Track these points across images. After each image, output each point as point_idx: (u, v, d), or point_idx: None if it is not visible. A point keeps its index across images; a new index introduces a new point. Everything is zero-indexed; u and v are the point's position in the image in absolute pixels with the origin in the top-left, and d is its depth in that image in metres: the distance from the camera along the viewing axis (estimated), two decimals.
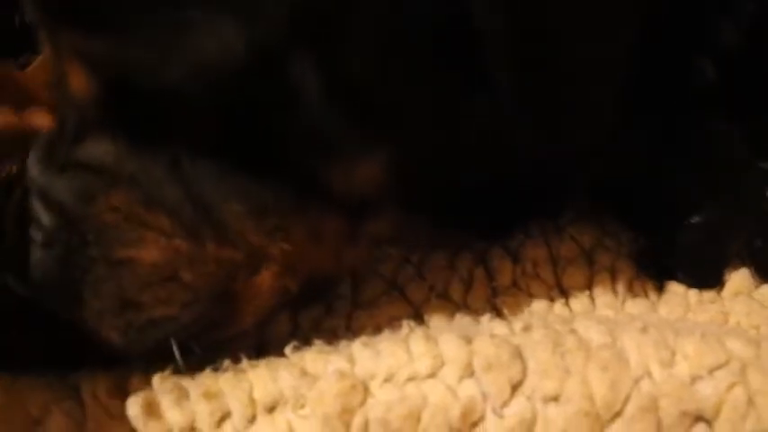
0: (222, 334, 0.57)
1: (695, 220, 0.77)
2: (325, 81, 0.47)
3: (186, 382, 0.60)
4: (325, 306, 0.72)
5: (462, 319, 0.70)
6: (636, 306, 0.73)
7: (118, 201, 0.51)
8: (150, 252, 0.51)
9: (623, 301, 0.74)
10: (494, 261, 0.77)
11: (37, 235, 0.51)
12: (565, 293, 0.75)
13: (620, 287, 0.75)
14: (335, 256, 0.60)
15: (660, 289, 0.76)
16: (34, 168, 0.53)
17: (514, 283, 0.76)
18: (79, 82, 0.49)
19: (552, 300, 0.74)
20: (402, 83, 0.51)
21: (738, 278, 0.77)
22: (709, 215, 0.77)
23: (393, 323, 0.69)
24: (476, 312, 0.71)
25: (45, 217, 0.51)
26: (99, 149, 0.51)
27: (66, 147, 0.53)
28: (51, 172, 0.53)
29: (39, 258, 0.51)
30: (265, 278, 0.56)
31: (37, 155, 0.54)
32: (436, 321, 0.70)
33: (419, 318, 0.71)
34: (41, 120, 0.82)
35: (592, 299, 0.74)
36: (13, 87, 0.89)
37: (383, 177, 0.53)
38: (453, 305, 0.73)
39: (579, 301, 0.74)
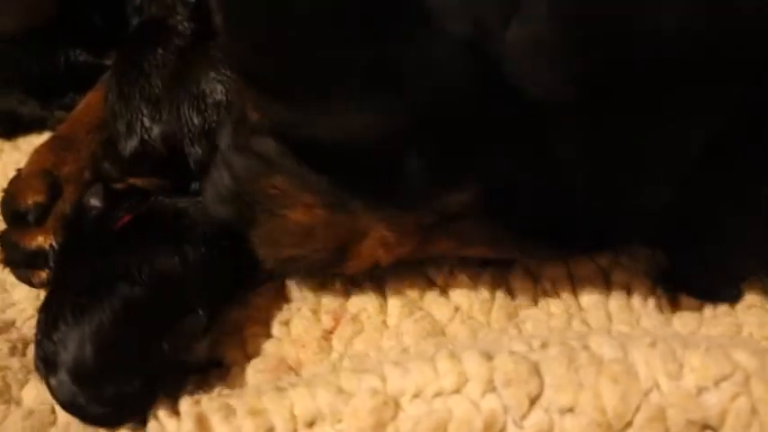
0: (331, 271, 0.80)
1: (713, 233, 0.81)
2: None
3: (232, 401, 0.67)
4: (355, 327, 0.79)
5: (485, 337, 0.76)
6: (651, 321, 0.78)
7: (277, 182, 0.71)
8: (297, 214, 0.72)
9: (638, 318, 0.79)
10: (515, 281, 0.83)
11: (217, 184, 0.75)
12: (582, 311, 0.81)
13: (636, 303, 0.81)
14: (424, 248, 0.75)
15: (675, 304, 0.80)
16: (223, 142, 0.76)
17: (535, 303, 0.81)
18: (250, 106, 0.70)
19: (571, 317, 0.80)
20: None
21: (753, 291, 0.82)
22: (727, 228, 0.81)
23: (420, 342, 0.76)
24: (498, 330, 0.77)
25: (227, 179, 0.74)
26: (267, 145, 0.70)
27: (246, 134, 0.72)
28: (234, 149, 0.74)
29: (213, 201, 0.76)
30: (367, 248, 0.74)
31: (227, 131, 0.76)
32: (460, 339, 0.76)
33: (444, 335, 0.78)
34: None
35: (608, 315, 0.79)
36: None
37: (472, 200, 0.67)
38: (476, 323, 0.79)
39: (596, 318, 0.79)
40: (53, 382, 0.69)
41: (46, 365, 0.70)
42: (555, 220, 0.70)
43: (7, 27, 1.14)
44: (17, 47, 1.15)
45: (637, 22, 0.54)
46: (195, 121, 0.90)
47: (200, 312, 0.75)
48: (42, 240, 0.87)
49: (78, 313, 0.69)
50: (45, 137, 1.11)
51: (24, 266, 0.88)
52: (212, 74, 0.91)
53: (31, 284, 0.87)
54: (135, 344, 0.70)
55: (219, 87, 0.90)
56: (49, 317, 0.72)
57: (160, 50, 0.98)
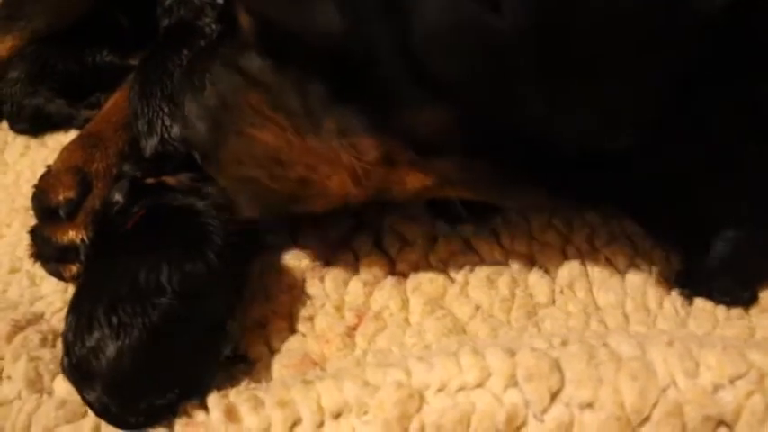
0: (298, 209, 0.79)
1: (729, 235, 0.82)
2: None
3: (260, 393, 0.70)
4: (378, 324, 0.81)
5: (506, 335, 0.78)
6: (666, 322, 0.80)
7: (253, 99, 0.73)
8: (266, 135, 0.74)
9: (654, 318, 0.81)
10: (533, 280, 0.85)
11: (195, 104, 0.80)
12: (600, 310, 0.83)
13: (652, 304, 0.83)
14: (401, 181, 0.74)
15: (689, 305, 0.83)
16: (215, 60, 0.78)
17: (552, 302, 0.84)
18: (240, 15, 0.72)
19: (588, 316, 0.82)
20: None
21: (767, 295, 0.84)
22: (742, 230, 0.83)
23: (441, 339, 0.79)
24: (518, 329, 0.79)
25: (210, 94, 0.78)
26: (253, 62, 0.72)
27: (234, 50, 0.76)
28: (222, 65, 0.77)
29: (194, 117, 0.80)
30: (335, 182, 0.74)
31: (218, 47, 0.81)
32: (481, 336, 0.79)
33: (465, 333, 0.80)
34: None
35: (625, 316, 0.82)
36: None
37: (447, 126, 0.67)
38: (497, 321, 0.81)
39: (613, 318, 0.81)
40: (86, 389, 0.71)
41: (77, 370, 0.72)
42: (532, 163, 0.70)
43: (38, 27, 1.18)
44: (46, 46, 1.18)
45: None
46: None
47: (229, 321, 0.77)
48: (74, 235, 0.90)
49: (115, 324, 0.70)
50: (72, 134, 1.15)
51: (56, 261, 0.90)
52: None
53: (61, 278, 0.90)
54: (171, 357, 0.72)
55: None
56: (81, 321, 0.73)
57: (185, 51, 1.01)
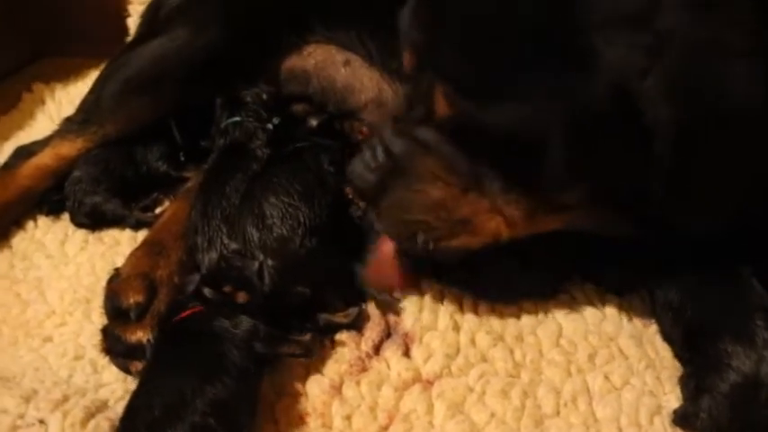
0: (456, 243, 0.98)
1: None
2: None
3: None
4: (406, 426, 0.95)
5: None
6: None
7: (429, 162, 0.94)
8: (434, 190, 0.95)
9: None
10: (541, 393, 0.99)
11: (368, 159, 0.98)
12: (598, 422, 0.97)
13: (643, 420, 0.97)
14: (542, 224, 0.96)
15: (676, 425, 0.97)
16: (385, 130, 0.99)
17: (558, 413, 0.98)
18: (438, 106, 0.91)
19: (588, 428, 0.96)
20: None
21: None
22: None
23: None
24: None
25: (380, 154, 0.97)
26: (429, 134, 0.94)
27: (408, 124, 0.96)
28: (394, 134, 0.97)
29: (360, 171, 0.99)
30: (492, 224, 0.96)
31: (389, 123, 0.99)
32: None
33: None
34: None
35: (620, 429, 0.96)
36: None
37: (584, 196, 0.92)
38: (509, 429, 0.95)
39: (609, 430, 0.95)
40: None
41: None
42: (640, 210, 0.92)
43: (108, 133, 1.35)
44: (108, 151, 1.34)
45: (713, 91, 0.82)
46: (254, 237, 1.08)
47: None
48: (141, 335, 1.03)
49: None
50: (126, 233, 1.30)
51: (124, 357, 1.04)
52: (272, 198, 1.11)
53: (129, 373, 1.03)
54: None
55: (276, 212, 1.08)
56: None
57: (239, 175, 1.18)
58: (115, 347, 1.04)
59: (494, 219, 0.95)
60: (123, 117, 1.35)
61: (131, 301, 1.06)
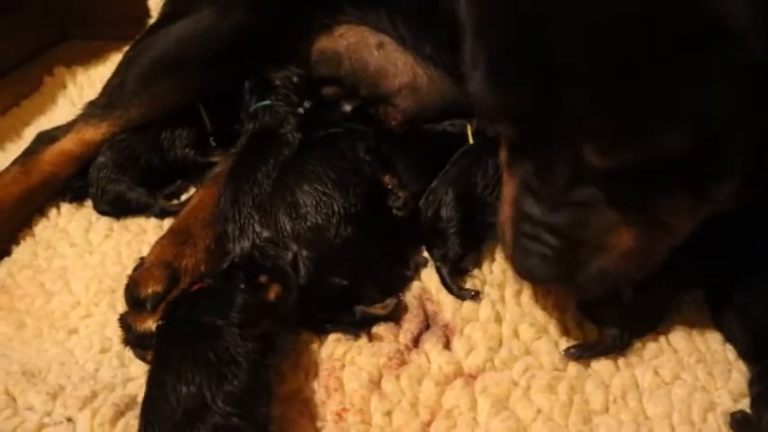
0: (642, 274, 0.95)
1: None
2: None
3: None
4: (449, 422, 0.91)
5: None
6: None
7: (603, 218, 0.88)
8: (621, 240, 0.89)
9: (699, 431, 0.91)
10: (589, 387, 0.95)
11: (537, 250, 0.90)
12: (649, 420, 0.93)
13: (696, 417, 0.92)
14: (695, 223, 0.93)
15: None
16: (532, 209, 0.90)
17: (606, 410, 0.94)
18: (592, 159, 0.83)
19: (639, 426, 0.92)
20: None
21: None
22: None
23: None
24: None
25: (551, 240, 0.89)
26: (586, 193, 0.87)
27: (556, 195, 0.88)
28: (548, 212, 0.89)
29: (541, 267, 0.90)
30: (665, 241, 0.92)
31: (530, 201, 0.91)
32: None
33: None
34: None
35: (672, 427, 0.91)
36: None
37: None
38: (556, 425, 0.91)
39: (661, 429, 0.91)
40: None
41: None
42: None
43: (133, 117, 1.31)
44: (133, 138, 1.31)
45: None
46: (288, 227, 1.05)
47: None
48: (151, 323, 0.99)
49: None
50: (152, 220, 1.27)
51: (136, 346, 1.01)
52: (305, 186, 1.07)
53: (146, 362, 0.99)
54: None
55: (309, 200, 1.05)
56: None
57: (272, 161, 1.14)
58: (128, 337, 1.01)
59: (667, 237, 0.92)
60: (148, 100, 1.31)
61: (150, 290, 1.03)
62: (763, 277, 0.98)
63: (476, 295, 1.06)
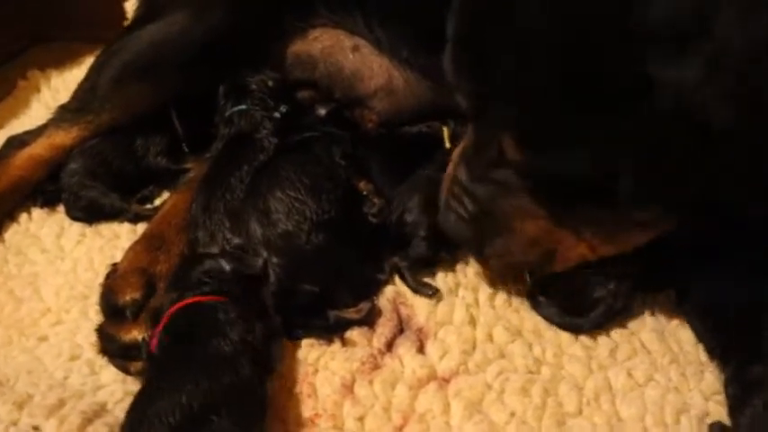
0: (542, 271, 1.03)
1: None
2: None
3: None
4: (422, 426, 0.90)
5: None
6: None
7: (513, 202, 0.96)
8: (528, 227, 0.97)
9: None
10: (563, 390, 0.95)
11: (457, 209, 1.00)
12: (622, 422, 0.93)
13: (669, 419, 0.93)
14: (623, 246, 0.99)
15: (702, 422, 0.92)
16: (462, 174, 1.00)
17: (580, 412, 0.94)
18: (508, 151, 0.92)
19: (612, 428, 0.92)
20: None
21: None
22: None
23: None
24: None
25: (469, 204, 0.99)
26: (506, 175, 0.95)
27: (482, 168, 0.98)
28: (473, 181, 0.99)
29: (455, 224, 1.01)
30: (577, 249, 0.99)
31: (463, 167, 1.00)
32: None
33: None
34: None
35: (645, 429, 0.92)
36: None
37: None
38: (529, 428, 0.91)
39: (634, 431, 0.91)
40: None
41: None
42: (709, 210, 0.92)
43: (104, 121, 1.30)
44: (105, 143, 1.30)
45: None
46: (258, 233, 1.04)
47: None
48: (136, 333, 0.99)
49: None
50: (125, 225, 1.26)
51: (121, 357, 0.99)
52: (278, 193, 1.07)
53: (128, 373, 0.99)
54: None
55: (281, 207, 1.05)
56: None
57: (246, 167, 1.14)
58: (110, 348, 1.00)
59: (579, 246, 0.98)
60: (120, 104, 1.30)
61: (128, 298, 1.01)
62: (721, 272, 1.00)
63: (436, 292, 1.07)
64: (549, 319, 1.04)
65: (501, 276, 1.09)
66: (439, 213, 1.04)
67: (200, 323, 0.93)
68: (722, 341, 0.97)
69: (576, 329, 1.03)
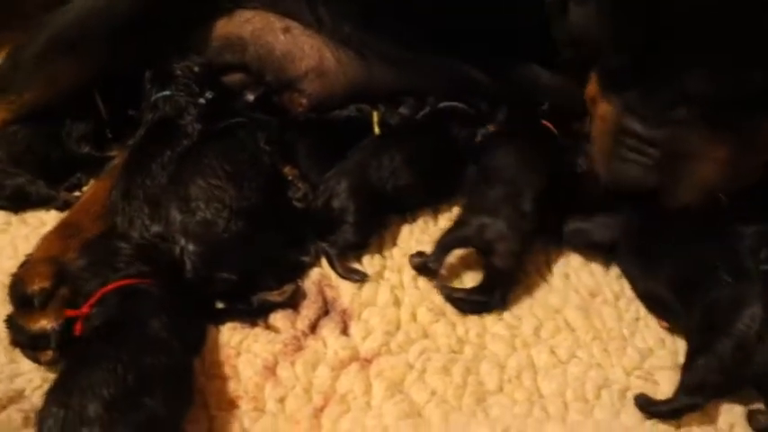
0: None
1: None
2: None
3: None
4: (343, 407, 0.91)
5: (456, 421, 0.89)
6: (602, 412, 0.92)
7: (699, 133, 1.00)
8: (718, 154, 1.01)
9: (592, 408, 0.92)
10: (485, 368, 0.96)
11: (635, 159, 1.03)
12: (543, 398, 0.94)
13: (590, 395, 0.94)
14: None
15: (624, 397, 0.94)
16: (634, 125, 1.02)
17: (501, 389, 0.95)
18: (695, 85, 0.97)
19: (532, 404, 0.93)
20: None
21: None
22: None
23: (399, 423, 0.89)
24: (467, 414, 0.91)
25: (648, 149, 1.02)
26: (685, 112, 1.00)
27: (658, 112, 1.01)
28: (650, 127, 1.02)
29: (643, 172, 1.02)
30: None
31: (633, 119, 1.03)
32: (435, 420, 0.90)
33: (421, 417, 0.90)
34: None
35: (565, 405, 0.93)
36: None
37: None
38: (449, 407, 0.92)
39: (554, 406, 0.93)
40: None
41: None
42: None
43: (28, 101, 1.25)
44: (29, 129, 1.26)
45: None
46: (177, 221, 1.03)
47: None
48: (45, 323, 0.96)
49: (107, 421, 0.79)
50: (52, 213, 1.23)
51: (30, 348, 0.97)
52: (199, 180, 1.06)
53: (39, 363, 0.97)
54: None
55: (201, 194, 1.04)
56: (69, 415, 0.80)
57: (168, 153, 1.13)
58: (19, 338, 0.97)
59: (756, 155, 1.03)
60: (44, 81, 1.26)
61: (36, 287, 0.99)
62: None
63: (364, 277, 1.07)
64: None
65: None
66: (611, 171, 1.05)
67: (133, 305, 0.93)
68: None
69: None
